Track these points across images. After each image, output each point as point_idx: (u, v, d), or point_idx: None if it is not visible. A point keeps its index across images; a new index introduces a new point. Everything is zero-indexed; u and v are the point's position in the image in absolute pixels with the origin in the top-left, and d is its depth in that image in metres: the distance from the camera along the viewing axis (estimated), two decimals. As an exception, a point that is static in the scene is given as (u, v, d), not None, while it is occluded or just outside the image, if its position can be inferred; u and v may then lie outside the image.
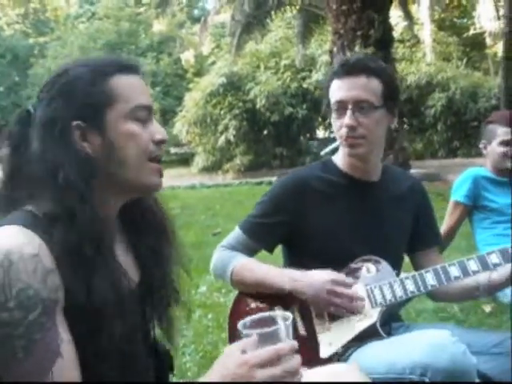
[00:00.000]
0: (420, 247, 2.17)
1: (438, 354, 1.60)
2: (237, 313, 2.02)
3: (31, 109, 1.28)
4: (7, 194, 1.24)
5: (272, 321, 1.15)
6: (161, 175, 1.32)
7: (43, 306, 1.09)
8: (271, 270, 1.97)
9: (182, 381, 2.82)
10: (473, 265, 1.93)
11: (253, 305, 2.00)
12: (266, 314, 1.21)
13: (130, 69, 1.30)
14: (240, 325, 1.17)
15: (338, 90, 1.99)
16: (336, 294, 1.84)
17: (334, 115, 2.01)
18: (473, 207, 3.62)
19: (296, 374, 1.11)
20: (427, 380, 1.60)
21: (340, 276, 1.88)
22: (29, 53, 32.51)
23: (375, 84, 1.96)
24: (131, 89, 1.28)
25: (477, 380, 1.69)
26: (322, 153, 2.26)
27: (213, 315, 3.89)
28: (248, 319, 1.19)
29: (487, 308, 3.57)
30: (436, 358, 1.60)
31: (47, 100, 1.25)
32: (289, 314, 1.16)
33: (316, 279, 1.86)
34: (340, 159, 2.09)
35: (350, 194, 2.05)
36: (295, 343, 1.12)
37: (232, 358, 1.11)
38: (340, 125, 1.98)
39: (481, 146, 3.66)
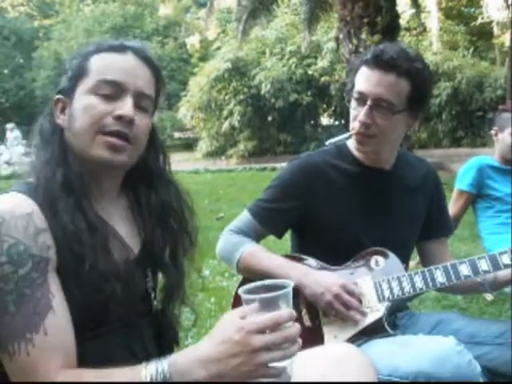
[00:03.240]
0: (431, 236, 2.13)
1: (443, 364, 1.58)
2: (240, 299, 2.01)
3: None
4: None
5: (273, 288, 1.15)
6: (114, 150, 1.28)
7: (33, 261, 1.12)
8: (279, 261, 1.93)
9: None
10: (483, 264, 1.88)
11: None
12: (268, 280, 1.20)
13: (119, 48, 1.33)
14: (241, 290, 1.17)
15: (364, 80, 1.89)
16: (341, 299, 1.79)
17: (353, 103, 1.93)
18: (477, 196, 3.62)
19: (294, 342, 1.11)
20: None
21: (351, 285, 1.82)
22: (33, 35, 32.47)
23: (403, 85, 1.86)
24: (106, 64, 1.30)
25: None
26: (328, 143, 2.17)
27: (215, 299, 3.91)
28: (249, 285, 1.19)
29: (489, 297, 3.58)
30: (440, 367, 1.58)
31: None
32: (290, 282, 1.16)
33: (325, 279, 1.82)
34: (354, 146, 2.02)
35: (362, 183, 2.00)
36: (293, 312, 1.12)
37: (230, 322, 1.11)
38: (356, 116, 1.91)
39: (492, 132, 3.66)
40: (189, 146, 22.17)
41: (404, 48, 1.93)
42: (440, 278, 1.87)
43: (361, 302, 1.83)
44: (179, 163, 15.20)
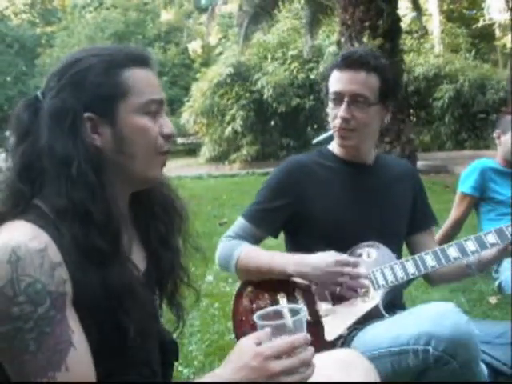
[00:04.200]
0: (417, 229, 2.23)
1: (441, 323, 1.64)
2: (240, 302, 2.04)
3: (40, 96, 1.26)
4: (15, 187, 1.22)
5: (287, 313, 1.17)
6: (162, 168, 1.34)
7: (51, 298, 1.10)
8: (275, 255, 2.00)
9: (187, 369, 2.84)
10: (471, 245, 1.98)
11: (256, 293, 2.02)
12: (282, 306, 1.22)
13: (143, 62, 1.30)
14: (256, 316, 1.18)
15: (337, 81, 2.05)
16: (341, 273, 1.87)
17: (330, 104, 2.08)
18: (480, 199, 3.62)
19: (310, 366, 1.12)
20: (431, 349, 1.63)
21: (343, 256, 1.91)
22: (36, 42, 32.54)
23: (374, 80, 2.04)
24: (144, 82, 1.27)
25: (483, 367, 1.70)
26: (314, 141, 2.35)
27: (219, 304, 3.91)
28: (263, 311, 1.21)
29: (493, 300, 3.58)
30: (439, 326, 1.64)
31: (56, 89, 1.23)
32: (303, 307, 1.19)
33: (320, 261, 1.88)
34: (335, 146, 2.18)
35: (346, 177, 2.12)
36: (308, 336, 1.13)
37: (247, 349, 1.11)
38: (335, 115, 2.06)
39: (495, 135, 3.66)
40: (192, 151, 22.16)
41: (369, 48, 2.13)
42: (430, 261, 1.98)
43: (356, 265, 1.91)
44: (182, 169, 15.22)
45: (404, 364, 1.68)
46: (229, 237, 2.13)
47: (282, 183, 2.12)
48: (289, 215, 2.10)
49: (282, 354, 1.09)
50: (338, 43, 11.00)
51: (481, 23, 23.43)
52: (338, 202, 2.08)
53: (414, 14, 17.52)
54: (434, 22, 23.19)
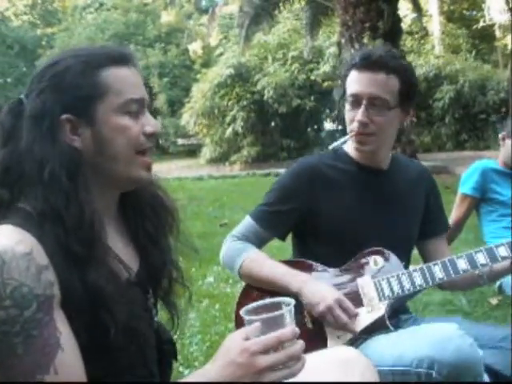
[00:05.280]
0: (429, 235, 2.17)
1: (445, 347, 1.60)
2: (244, 304, 2.02)
3: (24, 98, 1.25)
4: None
5: (274, 306, 1.15)
6: (149, 169, 1.30)
7: (38, 302, 1.09)
8: (280, 269, 1.95)
9: (188, 370, 2.84)
10: (481, 258, 1.93)
11: (260, 296, 2.00)
12: (269, 300, 1.21)
13: (122, 60, 1.27)
14: (243, 311, 1.17)
15: (356, 82, 1.97)
16: (333, 313, 1.80)
17: (347, 106, 2.00)
18: (480, 200, 3.62)
19: (299, 359, 1.11)
20: (434, 373, 1.60)
21: (346, 302, 1.83)
22: (36, 44, 32.54)
23: (393, 82, 1.95)
24: (123, 82, 1.25)
25: (484, 375, 1.69)
26: (331, 147, 2.18)
27: (220, 305, 3.90)
28: (250, 305, 1.19)
29: (494, 301, 3.57)
30: (442, 350, 1.60)
31: (37, 92, 1.22)
32: (290, 300, 1.16)
33: (322, 291, 1.84)
34: (350, 148, 2.08)
35: (360, 182, 2.05)
36: (297, 329, 1.12)
37: (234, 345, 1.11)
38: (352, 118, 1.98)
39: (500, 136, 3.65)
40: (192, 152, 22.18)
41: (389, 48, 2.06)
42: (439, 273, 1.92)
43: (356, 306, 1.86)
44: (183, 170, 15.23)
45: (404, 381, 1.66)
46: (234, 237, 2.08)
47: (292, 186, 2.06)
48: (298, 219, 2.05)
49: (268, 349, 1.08)
50: (339, 44, 11.04)
51: (481, 24, 23.41)
52: (349, 207, 2.02)
53: (415, 14, 17.54)
54: (435, 23, 23.20)
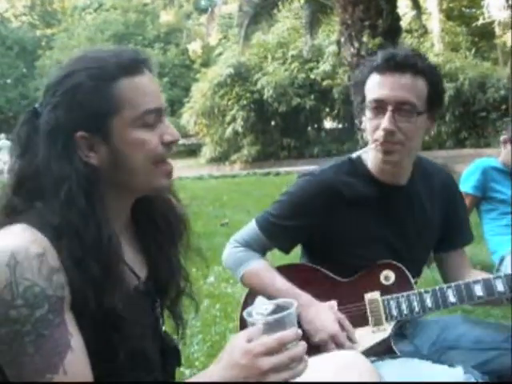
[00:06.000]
0: (447, 248, 2.03)
1: None
2: (249, 303, 1.99)
3: (39, 108, 1.23)
4: (11, 203, 1.21)
5: (277, 308, 1.15)
6: (170, 176, 1.28)
7: (49, 303, 1.10)
8: (280, 285, 1.85)
9: (189, 370, 2.84)
10: (499, 285, 1.78)
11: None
12: (271, 302, 1.20)
13: (135, 68, 1.21)
14: (245, 313, 1.16)
15: (379, 87, 1.77)
16: (327, 347, 1.71)
17: (368, 114, 1.79)
18: (481, 198, 3.62)
19: (302, 361, 1.11)
20: None
21: (340, 338, 1.72)
22: (36, 44, 32.61)
23: (421, 85, 1.76)
24: (137, 93, 1.20)
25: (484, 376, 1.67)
26: (354, 155, 2.03)
27: (221, 305, 3.91)
28: (252, 307, 1.19)
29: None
30: None
31: (51, 106, 1.20)
32: (293, 302, 1.16)
33: (320, 323, 1.74)
34: (371, 160, 1.89)
35: (376, 201, 1.90)
36: (299, 330, 1.12)
37: (237, 346, 1.11)
38: (376, 126, 1.77)
39: (501, 138, 3.65)
40: (192, 152, 22.19)
41: (413, 48, 1.92)
42: (451, 297, 1.79)
43: (361, 325, 1.79)
44: (183, 169, 15.21)
45: (408, 381, 1.60)
46: (237, 242, 2.00)
47: (303, 203, 1.90)
48: (306, 235, 1.95)
49: (271, 351, 1.08)
50: (338, 43, 10.99)
51: (481, 21, 23.41)
52: (362, 226, 1.89)
53: (414, 12, 17.49)
54: (434, 21, 23.17)
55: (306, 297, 1.80)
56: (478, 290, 1.78)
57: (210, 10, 17.58)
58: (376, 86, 1.78)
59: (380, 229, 1.91)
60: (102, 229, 1.18)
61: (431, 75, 1.79)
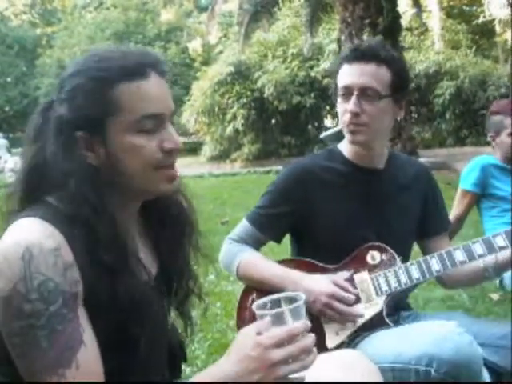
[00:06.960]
0: (429, 234, 2.16)
1: (444, 345, 1.61)
2: (244, 304, 2.03)
3: (53, 101, 1.26)
4: (24, 188, 1.24)
5: (286, 301, 1.18)
6: (172, 181, 1.28)
7: (64, 298, 1.11)
8: (275, 270, 1.98)
9: (190, 368, 2.84)
10: (478, 248, 1.91)
11: (260, 296, 1.99)
12: (280, 294, 1.22)
13: (138, 73, 1.21)
14: (254, 306, 1.18)
15: (346, 75, 1.98)
16: (331, 307, 1.83)
17: (339, 100, 2.00)
18: (481, 195, 3.61)
19: (311, 352, 1.13)
20: (433, 371, 1.61)
21: (340, 292, 1.85)
22: (36, 43, 32.63)
23: (384, 72, 1.95)
24: (136, 97, 1.20)
25: (484, 371, 1.69)
26: (322, 136, 2.23)
27: (221, 303, 3.91)
28: (262, 300, 1.21)
29: (495, 296, 3.58)
30: (441, 348, 1.60)
31: (58, 102, 1.23)
32: (302, 295, 1.18)
33: (315, 288, 1.85)
34: (345, 147, 2.09)
35: (354, 182, 2.04)
36: (308, 322, 1.14)
37: (247, 339, 1.12)
38: (344, 110, 1.97)
39: (489, 138, 3.65)
40: (193, 150, 22.16)
41: (380, 40, 2.06)
42: (435, 265, 1.93)
43: (354, 303, 1.87)
44: (183, 168, 15.16)
45: (406, 381, 1.66)
46: (232, 239, 2.11)
47: (286, 189, 2.06)
48: (292, 222, 2.06)
49: (281, 343, 1.10)
50: (338, 41, 11.03)
51: (481, 19, 23.38)
52: (344, 208, 2.02)
53: (414, 10, 17.50)
54: (434, 19, 23.14)
55: (298, 274, 1.94)
56: (459, 255, 1.92)
57: (210, 8, 17.58)
58: (344, 74, 1.99)
59: (362, 212, 2.03)
60: (114, 222, 1.20)
61: (394, 64, 1.97)
